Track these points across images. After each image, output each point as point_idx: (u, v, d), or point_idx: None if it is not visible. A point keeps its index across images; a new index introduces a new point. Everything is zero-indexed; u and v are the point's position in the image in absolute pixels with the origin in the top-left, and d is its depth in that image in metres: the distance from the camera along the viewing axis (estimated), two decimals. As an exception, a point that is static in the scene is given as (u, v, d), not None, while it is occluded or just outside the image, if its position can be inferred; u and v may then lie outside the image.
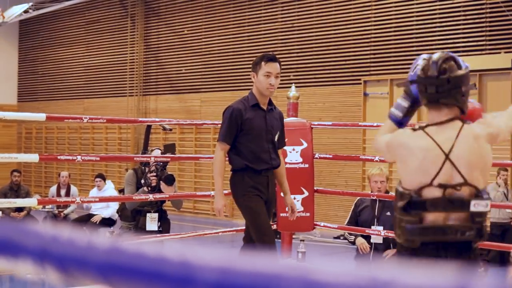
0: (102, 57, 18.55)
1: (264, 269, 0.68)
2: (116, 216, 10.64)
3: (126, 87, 17.74)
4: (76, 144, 18.93)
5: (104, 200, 9.87)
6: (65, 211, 11.22)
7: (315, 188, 7.23)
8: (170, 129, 10.10)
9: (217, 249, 0.72)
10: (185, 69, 16.57)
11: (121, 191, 9.35)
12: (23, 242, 0.79)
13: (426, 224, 3.25)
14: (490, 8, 11.50)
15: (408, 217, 3.27)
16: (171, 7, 16.91)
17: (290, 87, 7.44)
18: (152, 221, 7.56)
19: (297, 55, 14.19)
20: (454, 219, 3.24)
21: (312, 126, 7.17)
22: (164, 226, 7.69)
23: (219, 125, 5.70)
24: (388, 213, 6.57)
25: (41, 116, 6.00)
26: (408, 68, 3.69)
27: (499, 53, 11.40)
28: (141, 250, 0.73)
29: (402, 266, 0.73)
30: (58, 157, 6.67)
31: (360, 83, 12.94)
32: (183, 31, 16.60)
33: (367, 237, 6.78)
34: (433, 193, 3.23)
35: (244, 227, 5.65)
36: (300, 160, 6.99)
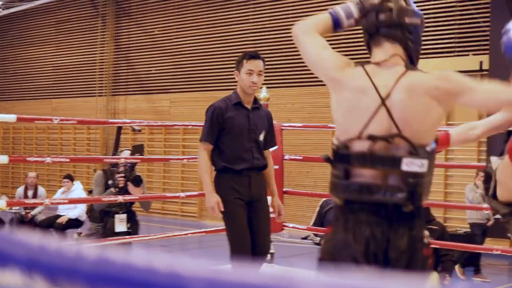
0: (71, 56, 18.43)
1: (251, 280, 0.70)
2: (83, 217, 10.58)
3: (95, 87, 17.65)
4: (44, 145, 18.78)
5: (74, 201, 9.81)
6: (32, 212, 11.11)
7: (284, 189, 7.26)
8: (140, 130, 10.07)
9: (204, 259, 0.74)
10: (155, 70, 16.53)
11: (90, 192, 9.31)
12: (11, 252, 0.79)
13: (351, 181, 2.85)
14: (460, 11, 11.63)
15: (334, 171, 2.90)
16: (142, 7, 16.85)
17: (260, 88, 7.47)
18: (120, 222, 7.53)
19: (267, 56, 14.22)
20: (383, 178, 2.81)
21: (282, 127, 7.20)
22: (133, 227, 7.67)
23: (190, 126, 5.66)
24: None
25: (12, 117, 5.95)
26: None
27: (468, 55, 11.53)
28: (130, 260, 0.75)
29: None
30: (27, 159, 6.61)
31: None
32: (154, 31, 16.55)
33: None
34: (362, 145, 2.82)
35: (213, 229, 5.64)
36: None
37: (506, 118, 4.40)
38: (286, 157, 7.21)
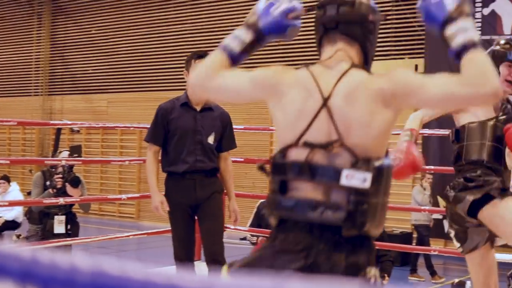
0: (6, 55, 18.11)
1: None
2: (20, 219, 10.41)
3: (31, 86, 17.38)
4: (-23, 144, 18.43)
5: (14, 203, 9.67)
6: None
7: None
8: (78, 130, 9.99)
9: (202, 273, 0.77)
10: (92, 69, 16.37)
11: (29, 193, 9.18)
12: (5, 263, 0.81)
13: (287, 195, 2.43)
14: (396, 15, 11.86)
15: (270, 184, 2.49)
16: (79, 5, 16.66)
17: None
18: (59, 224, 7.45)
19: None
20: (324, 193, 2.38)
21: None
22: (73, 229, 7.59)
23: (131, 128, 5.64)
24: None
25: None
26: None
27: (403, 58, 11.77)
28: (126, 272, 0.77)
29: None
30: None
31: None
32: (91, 30, 16.39)
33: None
34: (298, 153, 2.41)
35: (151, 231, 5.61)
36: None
37: (433, 115, 4.51)
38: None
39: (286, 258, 2.32)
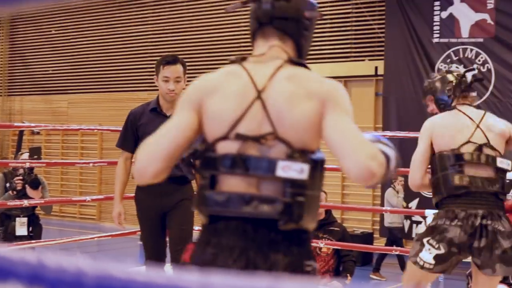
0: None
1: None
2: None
3: (-11, 87, 17.21)
4: None
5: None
6: None
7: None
8: (38, 132, 9.94)
9: (208, 275, 0.82)
10: (52, 70, 16.24)
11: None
12: (13, 267, 0.84)
13: (218, 190, 2.34)
14: (356, 17, 11.98)
15: (200, 180, 2.40)
16: (39, 6, 16.53)
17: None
18: (21, 226, 7.41)
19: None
20: (257, 186, 2.31)
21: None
22: (36, 231, 7.55)
23: (95, 130, 5.58)
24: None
25: None
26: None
27: (364, 60, 11.90)
28: (131, 276, 0.81)
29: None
30: None
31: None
32: (51, 31, 16.26)
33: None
34: (229, 146, 2.33)
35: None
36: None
37: None
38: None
39: (222, 265, 2.24)
